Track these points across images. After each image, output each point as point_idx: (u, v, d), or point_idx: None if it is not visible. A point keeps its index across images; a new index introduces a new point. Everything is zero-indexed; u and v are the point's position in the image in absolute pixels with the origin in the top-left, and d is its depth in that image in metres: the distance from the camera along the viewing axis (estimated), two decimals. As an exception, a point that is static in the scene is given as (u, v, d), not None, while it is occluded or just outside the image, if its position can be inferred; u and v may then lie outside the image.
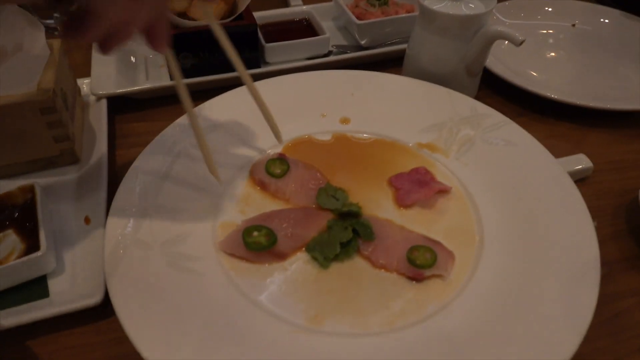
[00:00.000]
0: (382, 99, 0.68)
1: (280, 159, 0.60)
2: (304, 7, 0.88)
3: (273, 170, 0.58)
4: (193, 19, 0.72)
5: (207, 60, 0.73)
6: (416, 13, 0.81)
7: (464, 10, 0.66)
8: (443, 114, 0.65)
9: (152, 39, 0.42)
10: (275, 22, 0.86)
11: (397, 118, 0.66)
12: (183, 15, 0.72)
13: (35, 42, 0.59)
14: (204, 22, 0.70)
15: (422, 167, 0.59)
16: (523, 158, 0.59)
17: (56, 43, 0.64)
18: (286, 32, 0.84)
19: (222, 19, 0.73)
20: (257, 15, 0.82)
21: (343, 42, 0.87)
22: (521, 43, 0.62)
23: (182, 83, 0.50)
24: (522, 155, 0.59)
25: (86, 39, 0.36)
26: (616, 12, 0.94)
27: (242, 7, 0.73)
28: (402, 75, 0.72)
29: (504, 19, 0.92)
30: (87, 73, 0.74)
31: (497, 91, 0.78)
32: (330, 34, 0.81)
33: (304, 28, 0.86)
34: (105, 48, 0.39)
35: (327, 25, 0.85)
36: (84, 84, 0.73)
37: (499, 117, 0.64)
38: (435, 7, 0.66)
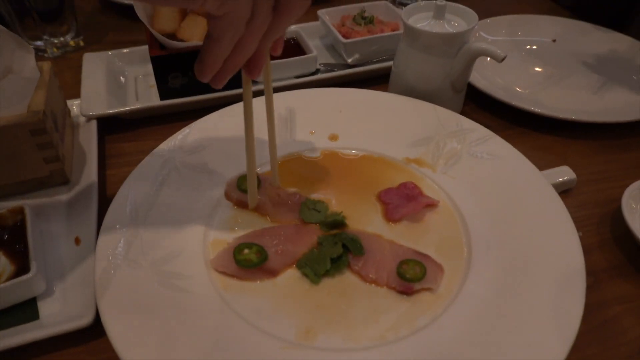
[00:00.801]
0: (370, 115, 0.69)
1: None
2: (292, 26, 0.89)
3: (245, 187, 0.57)
4: (182, 40, 0.73)
5: (197, 80, 0.74)
6: (401, 31, 0.83)
7: (446, 28, 0.68)
8: (429, 129, 0.67)
9: (252, 68, 0.45)
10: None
11: (384, 134, 0.67)
12: (172, 36, 0.73)
13: (25, 64, 0.59)
14: (192, 43, 0.71)
15: (410, 182, 0.60)
16: (508, 171, 0.60)
17: (46, 65, 0.65)
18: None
19: (210, 39, 0.74)
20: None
21: (330, 61, 0.89)
22: (503, 59, 0.64)
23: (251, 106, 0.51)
24: (507, 168, 0.60)
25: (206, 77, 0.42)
26: (593, 27, 0.97)
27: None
28: (389, 92, 0.73)
29: (486, 36, 0.95)
30: (77, 94, 0.75)
31: (482, 106, 0.80)
32: (318, 53, 0.83)
33: (292, 47, 0.87)
34: (218, 82, 0.44)
35: (314, 44, 0.86)
36: (74, 104, 0.74)
37: (484, 131, 0.65)
38: (419, 25, 0.68)
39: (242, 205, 0.58)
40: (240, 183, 0.58)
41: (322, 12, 0.89)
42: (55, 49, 0.91)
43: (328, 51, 0.92)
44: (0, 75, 0.57)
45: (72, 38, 0.92)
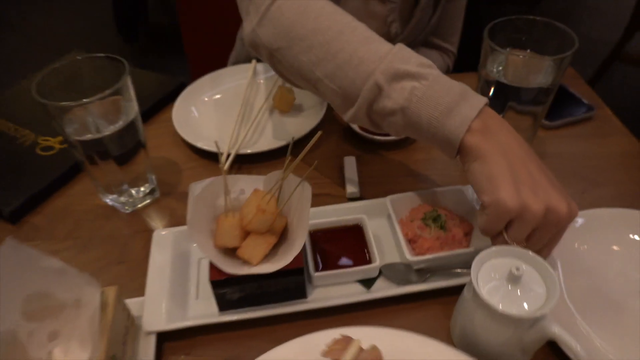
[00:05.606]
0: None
1: None
2: (357, 216, 0.85)
3: None
4: (242, 259, 0.72)
5: (254, 293, 0.74)
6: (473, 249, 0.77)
7: (521, 299, 0.61)
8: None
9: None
10: (326, 229, 0.85)
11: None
12: (232, 251, 0.73)
13: (91, 300, 0.63)
14: (251, 271, 0.71)
15: None
16: None
17: (112, 291, 0.67)
18: (336, 240, 0.83)
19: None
20: (310, 223, 0.80)
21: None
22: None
23: None
24: None
25: None
26: None
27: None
28: (451, 322, 0.68)
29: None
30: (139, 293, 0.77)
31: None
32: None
33: (355, 235, 0.84)
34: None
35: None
36: (132, 303, 0.74)
37: None
38: (489, 294, 0.62)
39: None
40: None
41: (389, 200, 0.85)
42: (127, 207, 0.94)
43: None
44: (70, 307, 0.62)
45: (147, 193, 0.95)
